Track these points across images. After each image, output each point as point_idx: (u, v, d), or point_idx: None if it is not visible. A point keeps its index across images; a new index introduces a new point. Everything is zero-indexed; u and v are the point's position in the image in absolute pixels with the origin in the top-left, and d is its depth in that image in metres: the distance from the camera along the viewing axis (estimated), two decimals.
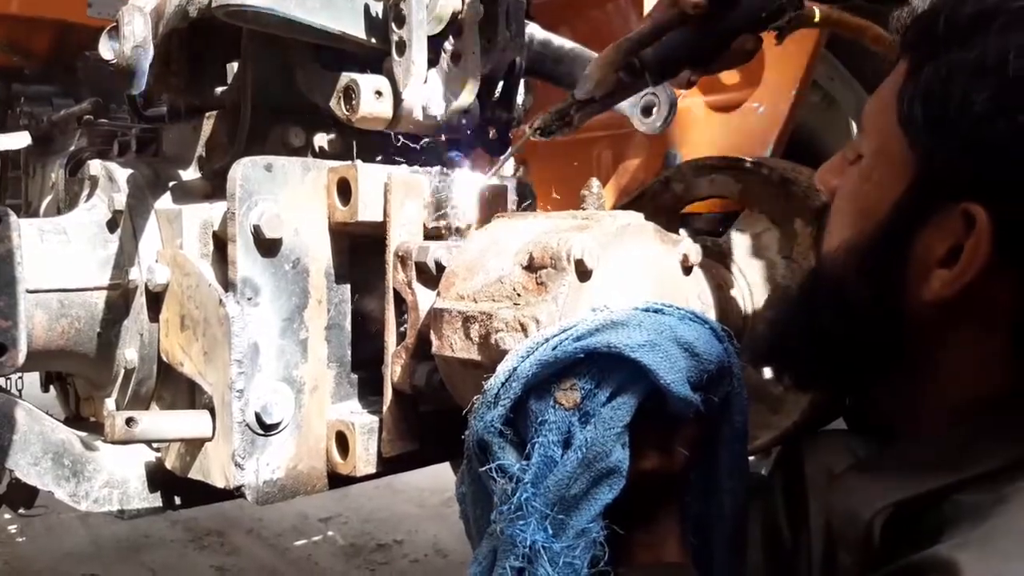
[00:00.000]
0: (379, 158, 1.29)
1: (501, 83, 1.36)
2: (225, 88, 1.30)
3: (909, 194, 0.81)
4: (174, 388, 1.23)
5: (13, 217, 1.08)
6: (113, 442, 1.07)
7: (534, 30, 1.50)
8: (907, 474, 0.82)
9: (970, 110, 0.75)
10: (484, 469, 0.80)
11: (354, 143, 1.28)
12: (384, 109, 1.16)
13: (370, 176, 1.11)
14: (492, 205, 1.21)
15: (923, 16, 0.85)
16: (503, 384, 0.81)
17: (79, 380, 1.42)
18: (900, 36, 0.88)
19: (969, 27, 0.78)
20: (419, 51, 1.12)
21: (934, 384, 0.85)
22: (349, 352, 1.19)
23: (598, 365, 0.79)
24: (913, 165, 0.81)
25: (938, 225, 0.79)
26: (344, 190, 1.12)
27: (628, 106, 1.60)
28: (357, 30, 1.15)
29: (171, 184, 1.26)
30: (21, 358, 1.07)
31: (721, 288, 1.41)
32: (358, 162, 1.12)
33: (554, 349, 0.80)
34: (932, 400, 0.86)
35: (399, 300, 1.10)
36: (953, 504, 0.76)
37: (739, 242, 1.48)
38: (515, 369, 0.81)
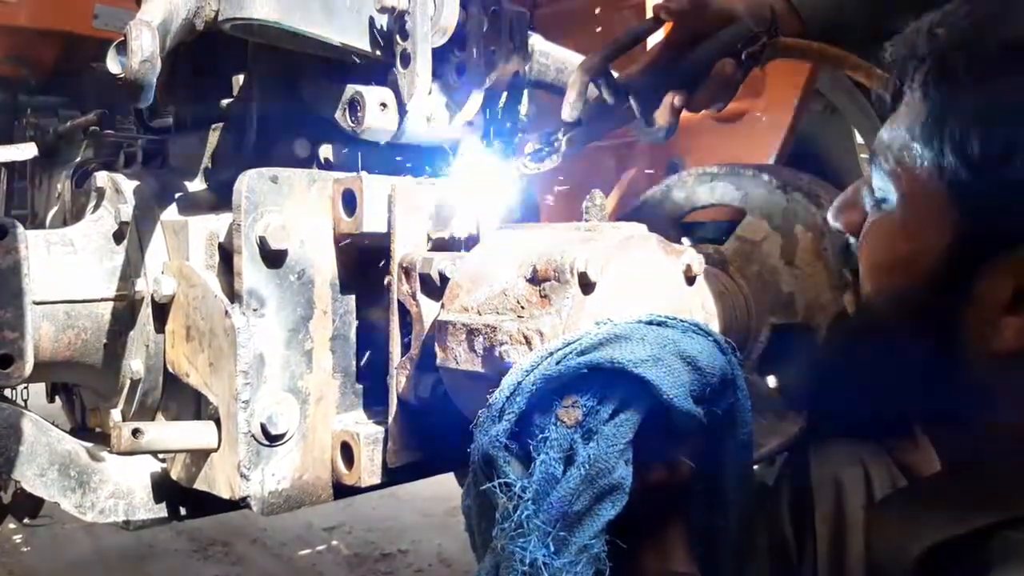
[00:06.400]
0: (383, 169, 1.29)
1: (505, 94, 1.37)
2: (231, 100, 1.30)
3: (960, 239, 0.75)
4: (180, 399, 1.23)
5: (20, 228, 1.08)
6: (119, 453, 1.07)
7: (536, 41, 1.51)
8: (956, 508, 0.79)
9: (1019, 148, 0.70)
10: (487, 485, 0.81)
11: (359, 154, 1.29)
12: (389, 121, 1.17)
13: (375, 187, 1.11)
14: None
15: (936, 53, 0.77)
16: (508, 398, 0.81)
17: (85, 391, 1.43)
18: (899, 70, 0.81)
19: (1002, 60, 0.72)
20: (423, 63, 1.13)
21: (988, 425, 0.81)
22: (354, 362, 1.19)
23: (601, 381, 0.79)
24: (956, 208, 0.75)
25: (998, 269, 0.73)
26: (349, 201, 1.12)
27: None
28: (362, 42, 1.16)
29: (177, 195, 1.26)
30: (28, 369, 1.08)
31: (724, 296, 1.41)
32: (363, 173, 1.13)
33: (558, 364, 0.80)
34: (983, 441, 0.82)
35: (403, 311, 1.10)
36: (1002, 540, 0.73)
37: (741, 249, 1.48)
38: (519, 383, 0.81)
